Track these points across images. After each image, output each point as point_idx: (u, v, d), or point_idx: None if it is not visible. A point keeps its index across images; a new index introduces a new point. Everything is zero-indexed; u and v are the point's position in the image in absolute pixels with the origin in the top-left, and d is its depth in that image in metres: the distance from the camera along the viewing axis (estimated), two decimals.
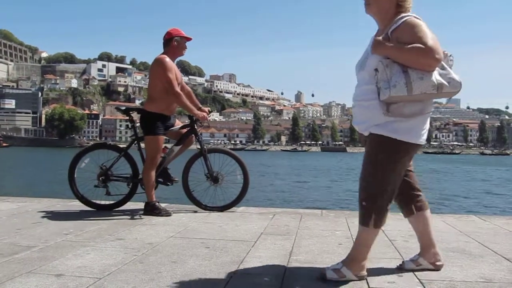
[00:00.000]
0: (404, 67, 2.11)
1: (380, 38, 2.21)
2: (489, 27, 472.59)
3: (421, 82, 2.08)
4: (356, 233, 3.40)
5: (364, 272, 2.29)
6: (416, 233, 2.51)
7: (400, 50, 2.12)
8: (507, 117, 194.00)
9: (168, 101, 4.20)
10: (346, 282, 2.25)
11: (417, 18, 2.19)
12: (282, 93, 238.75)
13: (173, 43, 4.23)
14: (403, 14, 2.22)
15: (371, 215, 2.24)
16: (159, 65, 4.14)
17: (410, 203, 2.45)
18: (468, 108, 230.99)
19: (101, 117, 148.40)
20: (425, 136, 2.29)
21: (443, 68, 2.14)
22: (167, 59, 4.16)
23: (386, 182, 2.24)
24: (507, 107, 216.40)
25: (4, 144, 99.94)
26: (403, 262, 2.50)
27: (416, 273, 2.40)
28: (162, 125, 4.22)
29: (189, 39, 4.33)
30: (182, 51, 4.31)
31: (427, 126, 2.30)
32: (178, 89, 4.17)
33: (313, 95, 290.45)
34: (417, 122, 2.22)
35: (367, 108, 2.25)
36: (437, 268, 2.43)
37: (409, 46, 2.09)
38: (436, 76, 2.10)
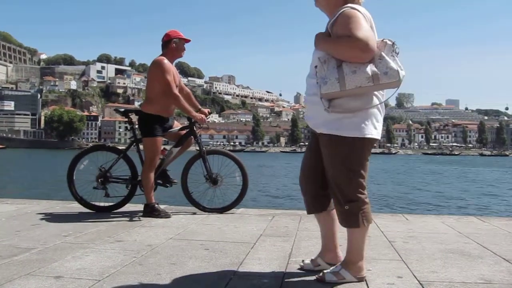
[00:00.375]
0: (339, 61, 2.05)
1: (320, 33, 2.17)
2: (489, 28, 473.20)
3: (354, 76, 2.02)
4: None
5: (363, 273, 2.27)
6: (321, 232, 2.46)
7: (332, 44, 2.08)
8: (506, 118, 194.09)
9: (166, 103, 4.20)
10: (345, 284, 2.24)
11: (355, 9, 2.11)
12: (280, 94, 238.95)
13: (172, 45, 4.23)
14: (343, 6, 2.15)
15: (358, 215, 2.21)
16: (157, 67, 4.14)
17: (321, 199, 2.38)
18: (466, 109, 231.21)
19: (100, 118, 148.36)
20: (379, 130, 2.22)
21: (380, 58, 2.06)
22: (165, 61, 4.16)
23: (359, 180, 2.21)
24: (507, 108, 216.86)
25: (0, 146, 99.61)
26: (303, 262, 2.48)
27: (415, 274, 2.40)
28: (160, 126, 4.22)
29: (187, 40, 4.33)
30: (180, 53, 4.31)
31: (379, 119, 2.23)
32: (176, 91, 4.17)
33: None
34: (366, 116, 2.16)
35: (313, 103, 2.20)
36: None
37: (340, 39, 2.04)
38: (371, 67, 2.03)
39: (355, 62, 2.03)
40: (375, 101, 2.17)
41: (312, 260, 2.44)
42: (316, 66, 2.12)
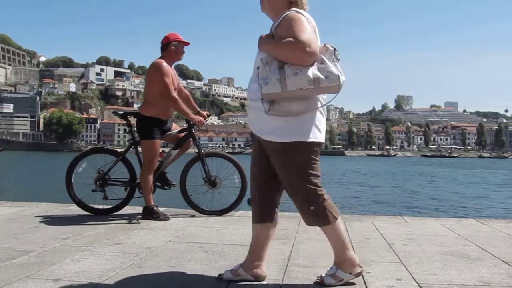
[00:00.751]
0: (281, 63, 2.05)
1: (264, 35, 2.17)
2: (488, 29, 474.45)
3: (295, 77, 2.01)
4: (354, 236, 3.43)
5: (358, 268, 2.24)
6: (252, 241, 2.37)
7: (276, 45, 2.08)
8: (505, 120, 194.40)
9: (164, 105, 4.20)
10: (345, 284, 2.24)
11: (299, 13, 2.12)
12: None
13: (171, 48, 4.23)
14: (287, 9, 2.16)
15: (326, 212, 2.20)
16: (156, 70, 4.14)
17: (265, 211, 2.35)
18: (464, 111, 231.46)
19: (99, 121, 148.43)
20: (322, 133, 2.22)
21: (322, 62, 2.08)
22: (164, 63, 4.16)
23: (315, 181, 2.20)
24: (506, 110, 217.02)
25: None
26: (223, 272, 2.37)
27: (415, 277, 2.40)
28: (159, 129, 4.21)
29: (187, 43, 4.33)
30: (179, 56, 4.31)
31: (322, 122, 2.23)
32: (175, 94, 4.17)
33: None
34: (308, 120, 2.15)
35: (256, 108, 2.16)
36: (258, 279, 2.30)
37: (282, 41, 2.04)
38: (313, 70, 2.04)
39: (297, 65, 2.04)
40: (316, 104, 2.17)
41: (232, 271, 2.34)
42: (258, 67, 2.12)
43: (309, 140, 2.15)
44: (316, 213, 2.20)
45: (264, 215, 2.34)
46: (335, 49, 2.13)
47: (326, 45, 2.14)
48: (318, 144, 2.21)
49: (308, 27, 2.07)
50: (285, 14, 2.12)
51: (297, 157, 2.16)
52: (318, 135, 2.19)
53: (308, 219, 2.26)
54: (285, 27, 2.07)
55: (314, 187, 2.19)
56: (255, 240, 2.37)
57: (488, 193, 22.04)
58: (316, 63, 2.07)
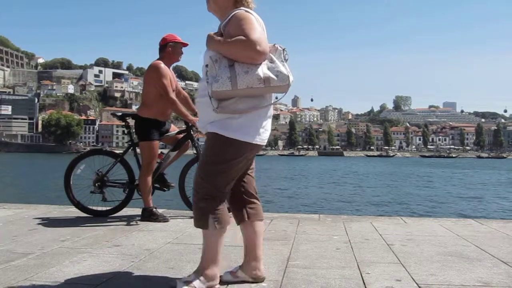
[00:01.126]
0: (231, 61, 2.04)
1: (212, 33, 2.16)
2: (487, 30, 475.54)
3: (246, 76, 2.01)
4: (353, 237, 3.43)
5: (216, 282, 2.18)
6: (243, 242, 2.35)
7: (225, 44, 2.06)
8: (503, 120, 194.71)
9: (162, 107, 4.20)
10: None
11: (247, 12, 2.12)
12: (276, 97, 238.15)
13: (168, 49, 4.23)
14: (235, 9, 2.16)
15: (208, 216, 2.13)
16: (154, 71, 4.14)
17: (242, 209, 2.31)
18: (462, 111, 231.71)
19: (97, 122, 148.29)
20: (263, 136, 2.17)
21: (272, 61, 2.07)
22: (162, 65, 4.16)
23: (220, 181, 2.15)
24: (505, 111, 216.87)
25: None
26: (222, 274, 2.31)
27: (414, 277, 2.40)
28: (157, 130, 4.21)
29: (185, 44, 4.33)
30: (177, 57, 4.31)
31: (265, 124, 2.19)
32: (173, 95, 4.17)
33: (312, 100, 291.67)
34: (249, 119, 2.12)
35: (204, 104, 2.15)
36: (257, 281, 2.29)
37: (233, 39, 2.03)
38: (263, 69, 2.03)
39: (248, 63, 2.03)
40: (263, 103, 2.15)
41: (231, 272, 2.33)
42: (207, 65, 2.10)
43: (244, 140, 2.11)
44: (200, 212, 2.15)
45: (245, 213, 2.31)
46: (284, 49, 2.13)
47: (275, 45, 2.14)
48: (252, 145, 2.15)
49: (258, 26, 2.07)
50: (234, 13, 2.11)
51: (218, 150, 2.13)
52: (256, 138, 2.14)
53: (194, 218, 2.21)
54: (235, 26, 2.06)
55: (214, 186, 2.14)
56: (245, 241, 2.35)
57: (487, 194, 22.06)
58: (266, 62, 2.07)
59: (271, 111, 2.26)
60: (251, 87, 2.02)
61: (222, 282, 2.29)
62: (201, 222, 2.16)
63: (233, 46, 2.03)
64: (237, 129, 2.11)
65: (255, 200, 2.35)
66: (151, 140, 4.16)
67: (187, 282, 2.14)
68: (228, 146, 2.12)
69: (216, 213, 2.14)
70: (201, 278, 2.15)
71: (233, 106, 2.09)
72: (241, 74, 2.02)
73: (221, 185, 2.16)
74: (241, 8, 2.16)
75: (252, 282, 2.30)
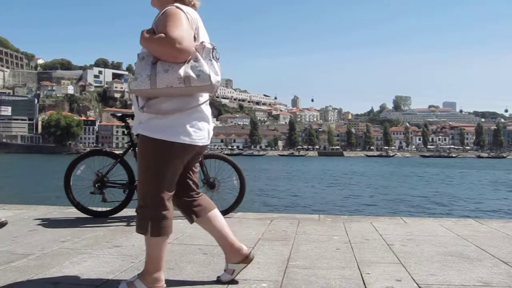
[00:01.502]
0: (155, 59, 1.98)
1: (145, 29, 2.10)
2: (486, 30, 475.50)
3: (165, 75, 1.94)
4: (353, 237, 3.43)
5: (160, 285, 2.13)
6: (213, 237, 2.34)
7: (149, 41, 1.99)
8: (503, 120, 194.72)
9: None
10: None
11: (179, 8, 2.04)
12: (275, 98, 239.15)
13: None
14: (169, 4, 2.09)
15: (148, 222, 2.07)
16: None
17: (190, 208, 2.29)
18: (461, 111, 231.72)
19: (97, 123, 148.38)
20: (195, 136, 2.10)
21: (196, 60, 1.99)
22: None
23: (159, 186, 2.09)
24: (506, 110, 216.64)
25: None
26: (220, 276, 2.32)
27: (414, 277, 2.40)
28: None
29: None
30: None
31: (199, 124, 2.12)
32: None
33: (312, 100, 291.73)
34: (177, 118, 2.05)
35: (134, 104, 2.12)
36: (248, 261, 2.29)
37: (155, 36, 1.97)
38: (185, 69, 1.96)
39: (170, 61, 1.97)
40: (191, 104, 2.08)
41: (226, 270, 2.31)
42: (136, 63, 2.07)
43: (172, 140, 2.05)
44: (140, 218, 2.11)
45: (192, 212, 2.30)
46: (213, 48, 2.06)
47: (203, 43, 2.06)
48: (183, 145, 2.08)
49: (184, 23, 1.99)
50: (165, 9, 2.05)
51: (150, 153, 2.09)
52: (185, 138, 2.07)
53: (137, 223, 2.15)
54: (161, 22, 2.00)
55: (152, 191, 2.09)
56: (212, 235, 2.33)
57: (487, 193, 22.06)
58: (191, 61, 1.99)
59: (207, 110, 2.19)
60: (170, 87, 1.95)
61: (223, 283, 2.29)
62: (141, 228, 2.10)
63: (154, 43, 1.96)
64: (163, 129, 2.04)
65: (197, 197, 2.31)
66: None
67: (130, 283, 2.11)
68: (158, 148, 2.06)
69: (156, 219, 2.08)
70: (143, 280, 2.11)
71: (158, 106, 2.03)
72: (161, 72, 1.95)
73: (159, 189, 2.09)
74: (175, 4, 2.07)
75: (247, 263, 2.29)
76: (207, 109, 2.19)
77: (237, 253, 2.29)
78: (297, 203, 16.65)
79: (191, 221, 2.32)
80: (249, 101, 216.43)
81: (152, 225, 2.07)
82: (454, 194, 21.03)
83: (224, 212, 4.42)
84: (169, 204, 2.14)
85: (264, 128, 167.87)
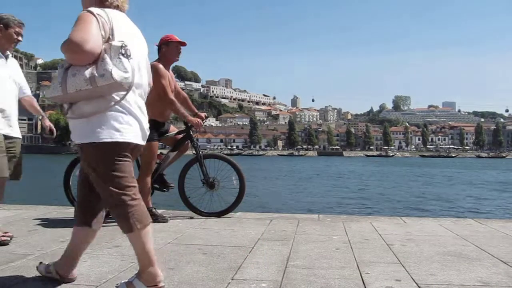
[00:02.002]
0: (68, 65, 2.00)
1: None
2: (486, 29, 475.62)
3: (73, 78, 1.95)
4: (353, 237, 3.44)
5: (158, 280, 2.12)
6: (71, 244, 2.33)
7: (61, 47, 1.96)
8: (502, 120, 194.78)
9: (161, 108, 4.20)
10: None
11: (90, 12, 2.02)
12: (274, 98, 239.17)
13: (163, 50, 4.23)
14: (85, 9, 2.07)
15: (129, 219, 2.07)
16: (152, 72, 4.12)
17: (90, 215, 2.27)
18: (459, 111, 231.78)
19: None
20: (126, 132, 2.09)
21: (102, 60, 1.97)
22: (160, 66, 4.16)
23: (118, 184, 2.08)
24: (506, 110, 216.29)
25: None
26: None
27: (414, 277, 2.40)
28: (156, 131, 4.21)
29: (183, 44, 4.33)
30: (176, 57, 4.31)
31: (128, 119, 2.10)
32: (171, 96, 4.17)
33: (313, 100, 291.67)
34: (101, 120, 2.04)
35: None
36: (66, 281, 2.28)
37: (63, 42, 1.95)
38: (91, 70, 1.95)
39: (77, 65, 1.97)
40: (110, 104, 2.06)
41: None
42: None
43: (105, 140, 2.04)
44: (120, 219, 2.10)
45: (84, 219, 2.27)
46: (121, 45, 2.02)
47: (111, 42, 2.03)
48: (117, 144, 2.07)
49: (90, 27, 1.97)
50: (80, 14, 2.04)
51: (96, 158, 2.08)
52: (116, 135, 2.06)
53: (118, 225, 2.14)
54: (73, 27, 1.99)
55: (116, 190, 2.08)
56: (72, 242, 2.32)
57: (486, 193, 22.06)
58: (98, 61, 1.98)
59: (136, 107, 2.16)
60: (80, 90, 1.95)
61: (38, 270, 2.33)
62: (125, 227, 2.10)
63: (62, 49, 1.96)
64: (92, 132, 2.04)
65: (98, 214, 2.30)
66: (151, 140, 4.15)
67: (129, 283, 2.11)
68: (97, 152, 2.07)
69: (133, 214, 2.08)
70: (141, 278, 2.11)
71: (78, 110, 2.04)
72: (70, 77, 1.96)
73: (121, 187, 2.09)
74: (89, 8, 2.06)
75: (64, 282, 2.28)
76: (135, 107, 2.16)
77: (66, 269, 2.30)
78: (297, 203, 16.65)
79: (81, 224, 2.29)
80: (248, 101, 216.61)
81: (134, 220, 2.07)
82: (454, 194, 21.04)
83: (224, 212, 4.43)
84: (135, 195, 2.13)
85: (264, 128, 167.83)
